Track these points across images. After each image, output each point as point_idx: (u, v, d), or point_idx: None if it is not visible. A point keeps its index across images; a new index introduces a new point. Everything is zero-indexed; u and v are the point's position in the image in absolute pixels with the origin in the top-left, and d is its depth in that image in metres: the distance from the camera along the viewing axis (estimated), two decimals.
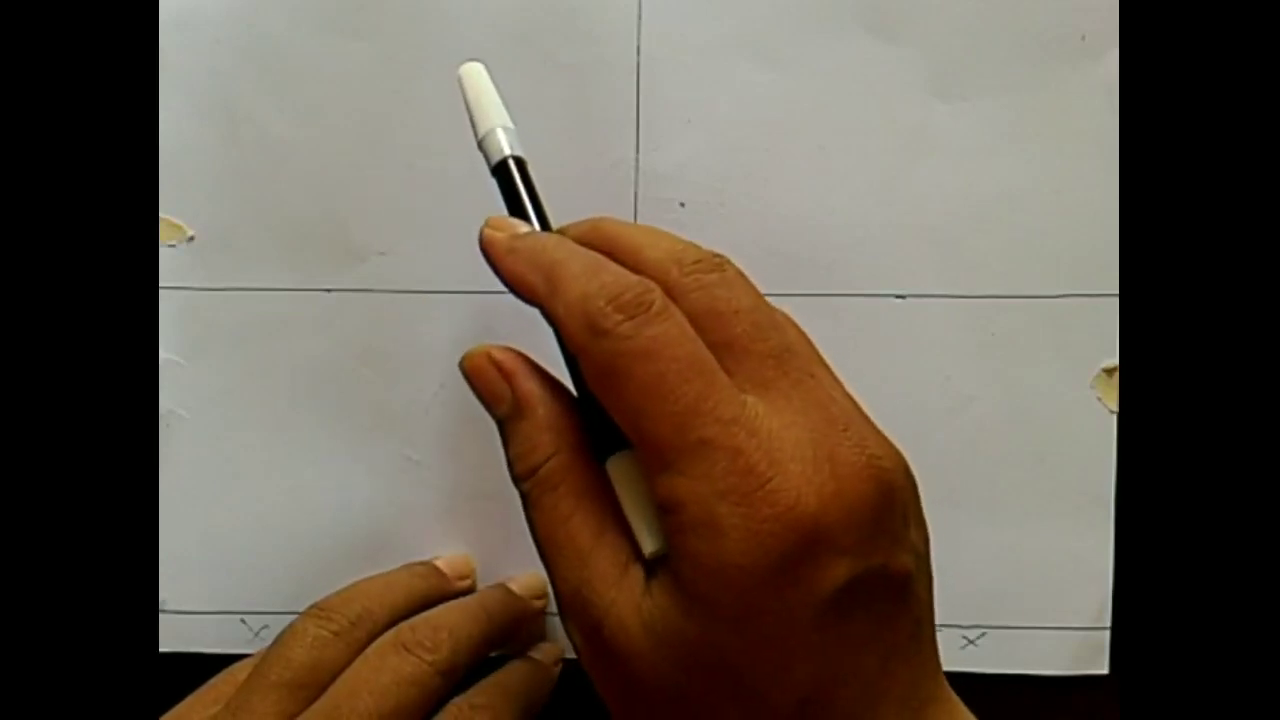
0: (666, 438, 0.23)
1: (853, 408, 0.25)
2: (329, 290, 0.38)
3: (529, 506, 0.27)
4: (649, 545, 0.25)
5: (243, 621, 0.38)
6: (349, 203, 0.38)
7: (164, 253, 0.38)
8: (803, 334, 0.27)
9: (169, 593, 0.38)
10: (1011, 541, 0.37)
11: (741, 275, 0.26)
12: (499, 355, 0.28)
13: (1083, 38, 0.37)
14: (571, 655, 0.38)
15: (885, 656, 0.24)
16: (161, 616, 0.38)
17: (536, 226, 0.29)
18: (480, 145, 0.30)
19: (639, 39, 0.37)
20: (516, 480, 0.27)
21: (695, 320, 0.25)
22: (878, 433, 0.25)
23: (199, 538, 0.38)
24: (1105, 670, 0.37)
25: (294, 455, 0.38)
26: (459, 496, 0.38)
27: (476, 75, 0.31)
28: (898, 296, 0.37)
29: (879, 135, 0.37)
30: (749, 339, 0.25)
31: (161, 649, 0.38)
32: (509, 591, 0.36)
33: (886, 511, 0.24)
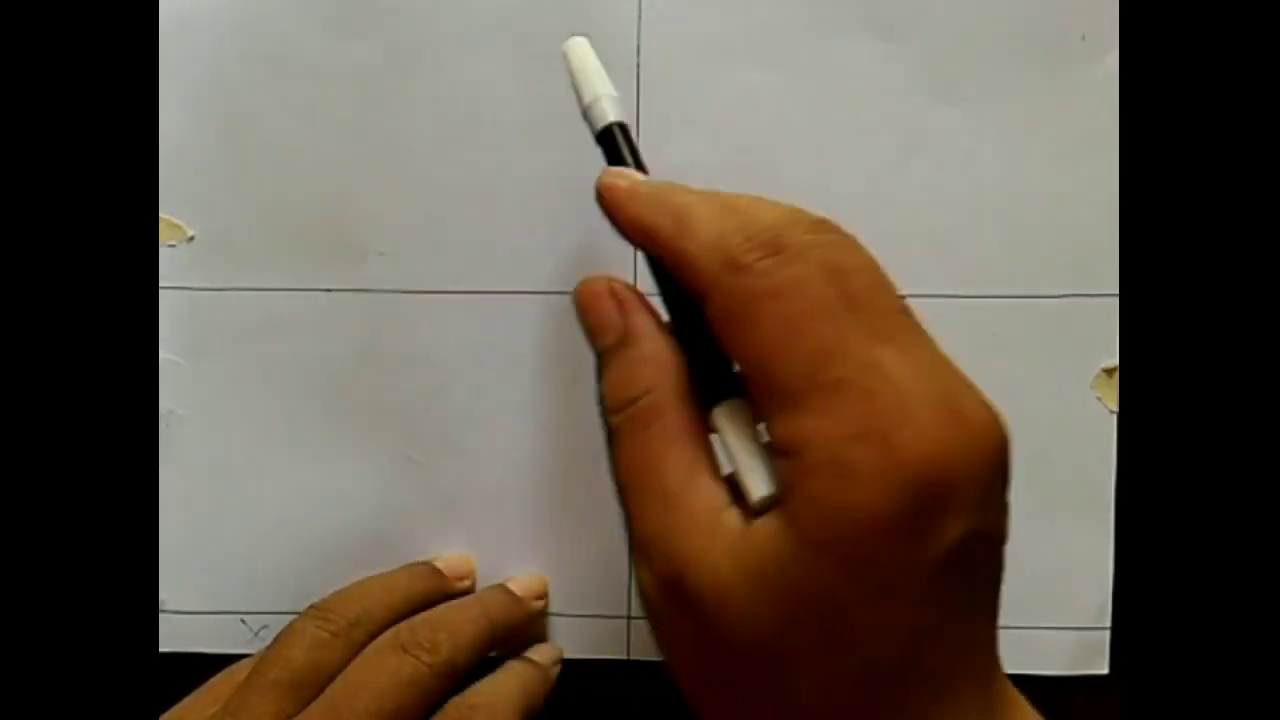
0: (798, 376, 0.23)
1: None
2: (329, 290, 0.38)
3: (615, 443, 0.26)
4: (762, 489, 0.24)
5: (242, 622, 0.38)
6: (349, 203, 0.38)
7: (164, 253, 0.38)
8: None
9: (168, 593, 0.38)
10: (1011, 541, 0.37)
11: (855, 238, 0.26)
12: (617, 286, 0.27)
13: (1083, 38, 0.37)
14: (572, 655, 0.38)
15: (973, 620, 0.24)
16: (161, 616, 0.38)
17: None
18: (585, 113, 0.31)
19: (639, 39, 0.37)
20: (607, 414, 0.26)
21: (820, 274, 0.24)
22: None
23: (199, 538, 0.38)
24: (1105, 670, 0.37)
25: (294, 455, 0.38)
26: (459, 496, 0.38)
27: (580, 48, 0.32)
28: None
29: (879, 135, 0.37)
30: (872, 293, 0.24)
31: (161, 649, 0.38)
32: (509, 592, 0.36)
33: (1001, 471, 0.23)
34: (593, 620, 0.38)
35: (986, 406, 0.23)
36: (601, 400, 0.26)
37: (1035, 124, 0.37)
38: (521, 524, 0.38)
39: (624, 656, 0.38)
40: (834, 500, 0.22)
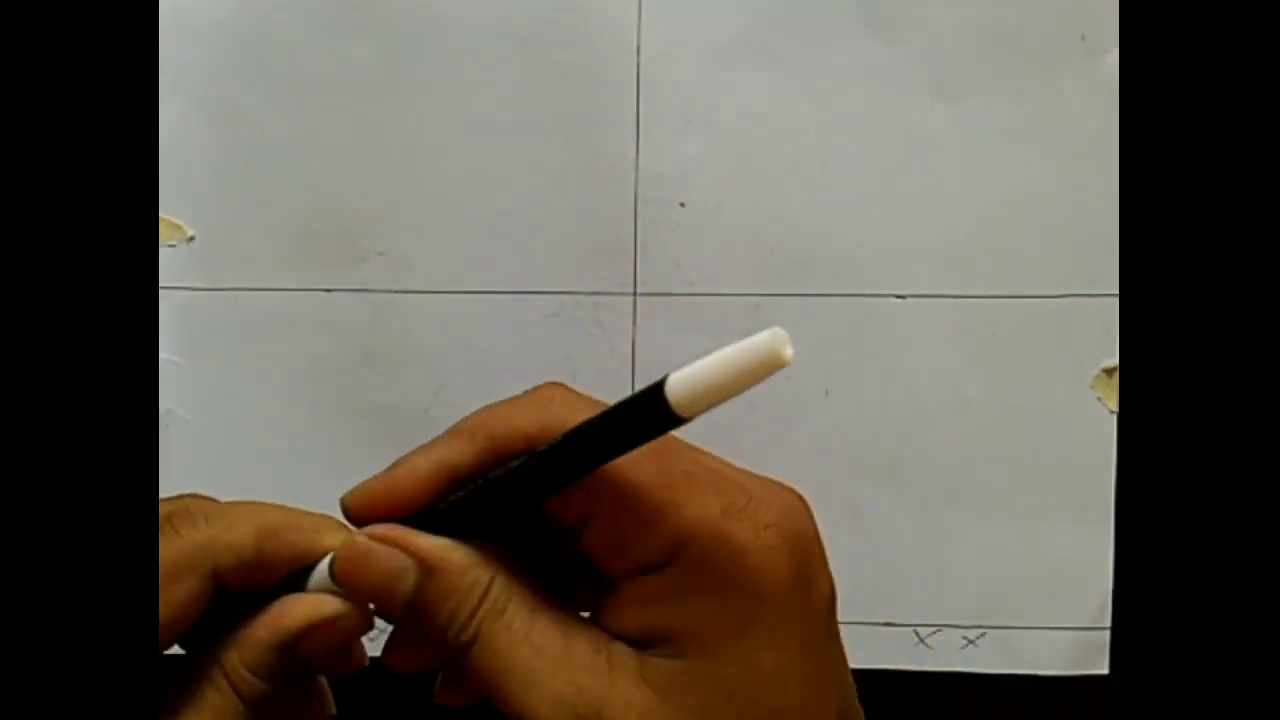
0: (651, 480, 0.23)
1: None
2: (329, 290, 0.38)
3: (480, 648, 0.24)
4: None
5: None
6: (349, 203, 0.38)
7: (164, 253, 0.38)
8: None
9: None
10: (1011, 541, 0.37)
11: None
12: (381, 531, 0.24)
13: (1083, 38, 0.37)
14: None
15: (844, 664, 0.25)
16: None
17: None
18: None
19: (639, 39, 0.37)
20: (455, 638, 0.24)
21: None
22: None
23: None
24: (1105, 670, 0.37)
25: (293, 455, 0.38)
26: None
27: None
28: (898, 296, 0.37)
29: (879, 135, 0.37)
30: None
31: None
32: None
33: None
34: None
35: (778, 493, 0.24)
36: (442, 634, 0.24)
37: (1035, 124, 0.37)
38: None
39: None
40: (731, 583, 0.23)
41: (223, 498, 0.38)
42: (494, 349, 0.38)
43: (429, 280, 0.38)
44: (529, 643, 0.24)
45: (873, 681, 0.29)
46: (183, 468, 0.38)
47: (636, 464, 0.23)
